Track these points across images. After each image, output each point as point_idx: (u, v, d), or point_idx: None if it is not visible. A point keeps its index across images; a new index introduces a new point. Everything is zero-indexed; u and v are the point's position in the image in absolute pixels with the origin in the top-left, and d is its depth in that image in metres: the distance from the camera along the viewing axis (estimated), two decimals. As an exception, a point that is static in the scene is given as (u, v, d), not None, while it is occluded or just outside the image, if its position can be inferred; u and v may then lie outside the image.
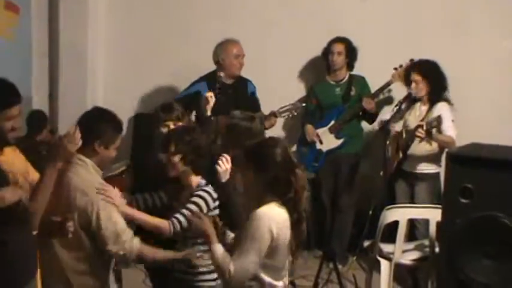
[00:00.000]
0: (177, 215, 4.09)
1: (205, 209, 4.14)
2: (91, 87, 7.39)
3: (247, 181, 3.70)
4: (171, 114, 5.03)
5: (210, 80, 6.42)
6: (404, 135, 6.19)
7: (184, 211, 4.09)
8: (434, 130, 5.89)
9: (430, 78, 6.18)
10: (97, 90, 7.47)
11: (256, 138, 4.22)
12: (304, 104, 6.62)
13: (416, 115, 6.24)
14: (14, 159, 4.06)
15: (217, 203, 4.24)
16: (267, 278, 3.57)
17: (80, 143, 3.83)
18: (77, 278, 3.98)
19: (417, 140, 5.99)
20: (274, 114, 6.33)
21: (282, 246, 3.56)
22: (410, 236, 5.88)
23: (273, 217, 3.52)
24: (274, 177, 3.57)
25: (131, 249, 4.01)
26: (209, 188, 4.22)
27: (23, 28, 6.85)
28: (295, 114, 6.46)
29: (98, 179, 4.08)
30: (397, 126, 6.29)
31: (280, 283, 3.64)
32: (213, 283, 4.15)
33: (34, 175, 4.13)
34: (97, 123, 4.13)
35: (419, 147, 6.09)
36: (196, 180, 4.25)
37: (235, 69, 6.54)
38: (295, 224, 3.61)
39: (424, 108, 6.20)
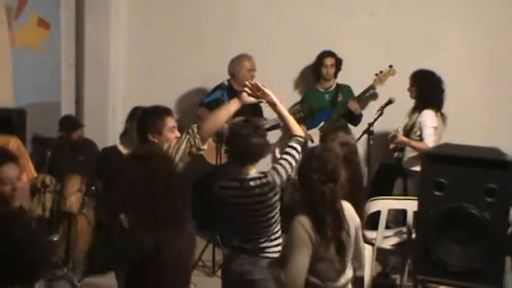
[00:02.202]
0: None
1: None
2: (112, 93, 7.40)
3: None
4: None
5: (225, 89, 6.60)
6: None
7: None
8: (417, 132, 5.96)
9: (418, 86, 6.18)
10: (117, 95, 7.48)
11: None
12: (308, 106, 6.69)
13: (410, 119, 6.24)
14: None
15: None
16: (312, 278, 3.50)
17: None
18: None
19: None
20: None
21: (314, 247, 3.47)
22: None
23: (305, 220, 3.45)
24: (306, 190, 3.52)
25: (191, 130, 3.96)
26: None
27: (53, 42, 6.86)
28: (303, 115, 6.53)
29: None
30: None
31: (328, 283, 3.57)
32: None
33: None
34: (140, 121, 4.17)
35: (409, 148, 6.12)
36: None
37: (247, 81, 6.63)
38: (322, 242, 3.49)
39: (415, 114, 6.19)
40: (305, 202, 3.52)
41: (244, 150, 3.92)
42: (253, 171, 3.96)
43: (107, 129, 7.13)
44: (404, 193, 6.08)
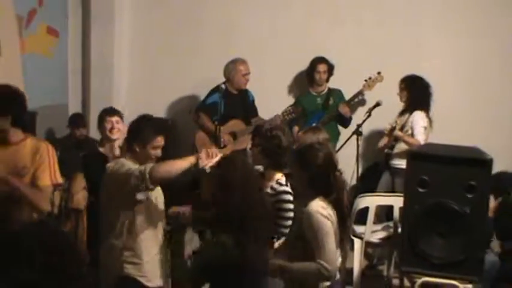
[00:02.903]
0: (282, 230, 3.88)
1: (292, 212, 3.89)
2: (116, 95, 7.39)
3: (294, 178, 3.63)
4: (114, 114, 5.04)
5: (220, 92, 6.53)
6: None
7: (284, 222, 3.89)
8: (415, 129, 6.04)
9: (409, 90, 6.27)
10: (121, 98, 7.47)
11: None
12: (301, 108, 6.76)
13: (400, 120, 6.29)
14: (21, 153, 4.04)
15: None
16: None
17: None
18: None
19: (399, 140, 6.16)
20: (279, 117, 6.51)
21: (334, 232, 3.47)
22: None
23: (322, 207, 3.44)
24: (315, 177, 3.49)
25: (144, 168, 3.72)
26: (289, 188, 3.94)
27: (61, 48, 6.86)
28: (294, 116, 6.59)
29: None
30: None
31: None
32: None
33: (43, 180, 4.05)
34: (135, 125, 4.02)
35: (398, 147, 6.19)
36: (276, 176, 3.98)
37: (242, 85, 6.65)
38: (340, 221, 3.52)
39: (406, 115, 6.27)
40: (318, 191, 3.51)
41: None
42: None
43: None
44: (392, 190, 6.12)
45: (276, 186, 3.92)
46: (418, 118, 6.14)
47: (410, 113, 6.20)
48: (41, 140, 4.32)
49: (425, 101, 6.24)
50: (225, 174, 3.24)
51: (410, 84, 6.28)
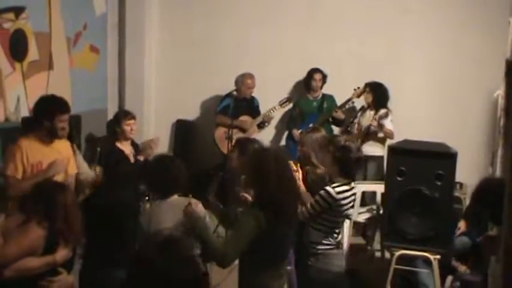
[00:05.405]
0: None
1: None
2: (147, 102, 7.43)
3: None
4: (130, 116, 5.16)
5: (232, 97, 6.64)
6: (362, 130, 6.40)
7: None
8: (385, 122, 6.21)
9: (374, 93, 6.40)
10: (150, 104, 7.51)
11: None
12: (298, 109, 6.90)
13: (366, 118, 6.41)
14: (63, 149, 4.21)
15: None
16: None
17: None
18: None
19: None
20: (275, 108, 6.74)
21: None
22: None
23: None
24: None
25: None
26: (333, 192, 3.68)
27: (101, 63, 6.89)
28: (288, 104, 6.79)
29: None
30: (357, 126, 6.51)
31: None
32: None
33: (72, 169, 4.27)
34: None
35: (371, 139, 6.34)
36: (337, 181, 3.77)
37: (246, 95, 6.75)
38: None
39: (372, 113, 6.37)
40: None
41: None
42: None
43: (142, 131, 7.17)
44: (364, 172, 6.23)
45: (329, 188, 3.72)
46: (386, 114, 6.28)
47: (376, 111, 6.33)
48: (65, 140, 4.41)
49: (386, 101, 6.40)
50: (260, 163, 3.08)
51: (374, 89, 6.45)
